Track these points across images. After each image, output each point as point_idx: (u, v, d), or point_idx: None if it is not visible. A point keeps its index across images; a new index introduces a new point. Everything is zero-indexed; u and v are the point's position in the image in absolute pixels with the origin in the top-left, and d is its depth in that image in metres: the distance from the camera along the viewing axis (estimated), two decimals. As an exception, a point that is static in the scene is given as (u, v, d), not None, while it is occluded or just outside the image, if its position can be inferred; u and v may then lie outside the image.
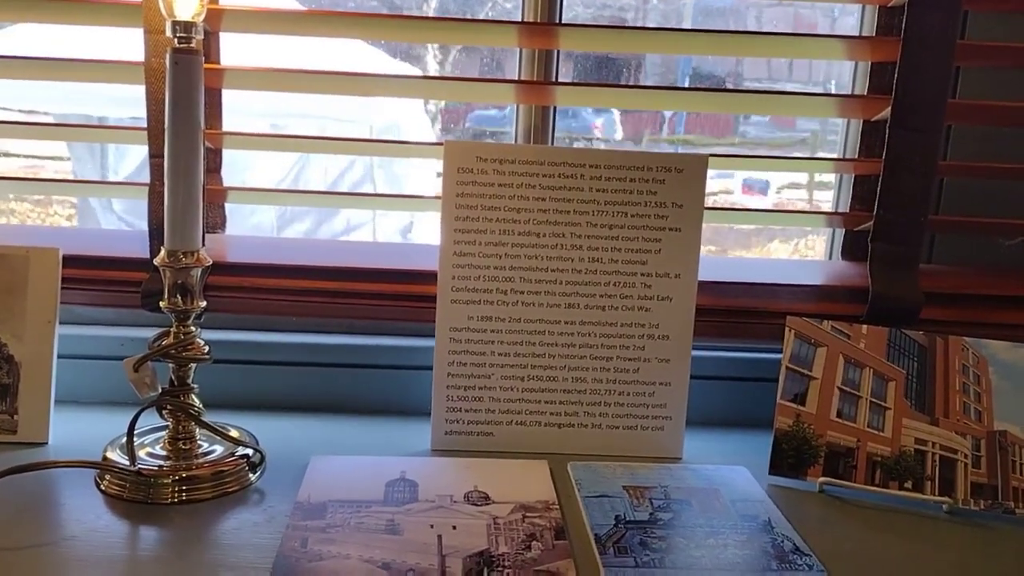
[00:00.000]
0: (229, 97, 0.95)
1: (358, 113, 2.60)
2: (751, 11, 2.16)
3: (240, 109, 0.99)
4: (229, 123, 0.96)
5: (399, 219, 2.66)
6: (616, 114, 2.88)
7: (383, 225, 2.72)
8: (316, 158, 2.72)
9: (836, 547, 0.73)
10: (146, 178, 0.90)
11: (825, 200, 1.12)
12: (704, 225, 0.87)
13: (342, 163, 2.80)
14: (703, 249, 0.88)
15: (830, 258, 1.09)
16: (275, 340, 0.98)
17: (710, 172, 0.87)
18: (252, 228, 2.45)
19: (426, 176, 2.72)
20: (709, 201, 0.87)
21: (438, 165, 0.86)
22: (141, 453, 0.78)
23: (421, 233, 2.56)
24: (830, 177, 1.13)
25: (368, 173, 2.81)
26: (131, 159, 2.67)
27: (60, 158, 3.04)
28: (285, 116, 2.56)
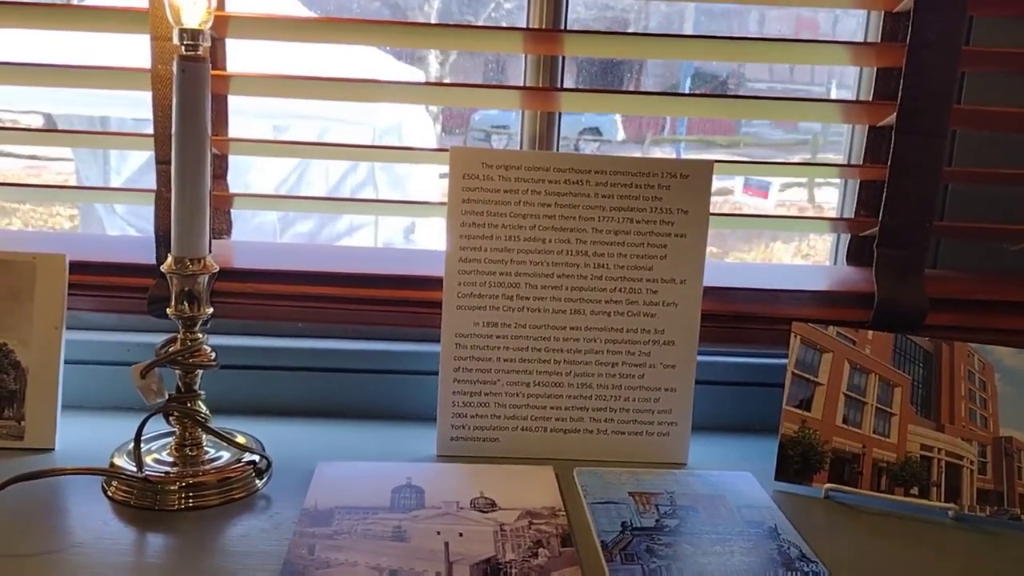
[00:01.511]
0: (232, 98, 0.95)
1: (361, 115, 2.60)
2: (753, 12, 2.16)
3: (242, 110, 0.99)
4: (232, 124, 0.96)
5: (401, 220, 2.66)
6: (617, 115, 2.88)
7: (385, 226, 2.72)
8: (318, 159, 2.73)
9: (842, 553, 0.73)
10: (149, 179, 0.90)
11: (827, 199, 1.12)
12: (706, 227, 0.87)
13: (345, 164, 2.80)
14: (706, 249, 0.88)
15: (835, 263, 1.09)
16: (281, 345, 0.99)
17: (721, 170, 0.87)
18: (254, 229, 2.45)
19: (428, 177, 2.72)
20: (711, 200, 0.87)
21: (440, 167, 0.87)
22: (148, 459, 0.79)
23: (423, 234, 2.56)
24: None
25: (371, 174, 2.81)
26: (134, 160, 2.67)
27: (63, 159, 3.04)
28: (288, 117, 2.55)
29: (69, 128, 2.41)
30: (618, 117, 2.95)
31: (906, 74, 0.90)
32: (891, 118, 0.92)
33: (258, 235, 2.41)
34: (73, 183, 2.78)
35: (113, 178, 2.69)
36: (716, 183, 0.86)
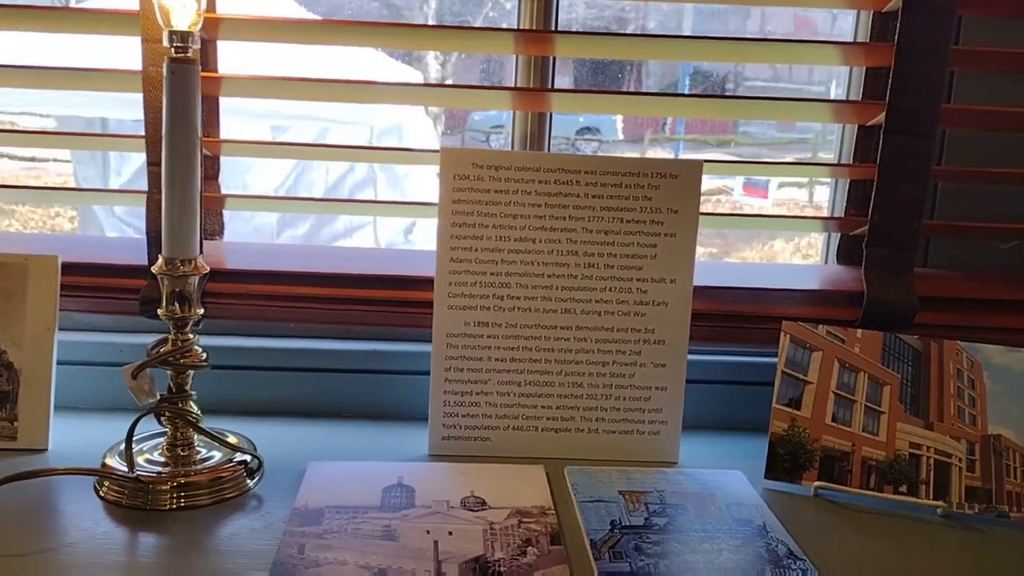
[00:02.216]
0: (231, 99, 0.96)
1: (360, 115, 2.60)
2: (751, 10, 2.15)
3: (241, 110, 1.00)
4: (230, 124, 0.96)
5: (401, 219, 2.67)
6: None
7: (385, 225, 2.73)
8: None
9: (830, 551, 0.73)
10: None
11: (827, 198, 1.12)
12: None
13: (344, 164, 2.81)
14: (706, 249, 0.88)
15: (825, 262, 1.09)
16: (272, 346, 0.99)
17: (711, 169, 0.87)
18: (253, 230, 2.46)
19: (428, 176, 2.73)
20: (711, 199, 0.88)
21: (437, 167, 0.87)
22: (140, 459, 0.79)
23: (423, 232, 2.56)
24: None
25: (370, 174, 2.82)
26: (134, 160, 2.67)
27: (61, 160, 3.05)
28: (286, 118, 2.56)
29: (66, 130, 2.42)
30: (617, 116, 2.95)
31: (895, 74, 0.90)
32: (880, 117, 0.92)
33: (257, 236, 2.42)
34: (72, 185, 2.79)
35: (113, 179, 2.70)
36: (716, 182, 0.87)
